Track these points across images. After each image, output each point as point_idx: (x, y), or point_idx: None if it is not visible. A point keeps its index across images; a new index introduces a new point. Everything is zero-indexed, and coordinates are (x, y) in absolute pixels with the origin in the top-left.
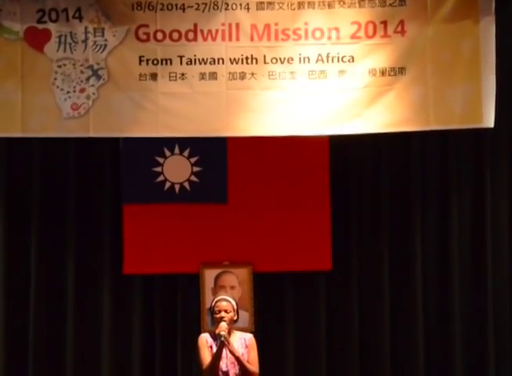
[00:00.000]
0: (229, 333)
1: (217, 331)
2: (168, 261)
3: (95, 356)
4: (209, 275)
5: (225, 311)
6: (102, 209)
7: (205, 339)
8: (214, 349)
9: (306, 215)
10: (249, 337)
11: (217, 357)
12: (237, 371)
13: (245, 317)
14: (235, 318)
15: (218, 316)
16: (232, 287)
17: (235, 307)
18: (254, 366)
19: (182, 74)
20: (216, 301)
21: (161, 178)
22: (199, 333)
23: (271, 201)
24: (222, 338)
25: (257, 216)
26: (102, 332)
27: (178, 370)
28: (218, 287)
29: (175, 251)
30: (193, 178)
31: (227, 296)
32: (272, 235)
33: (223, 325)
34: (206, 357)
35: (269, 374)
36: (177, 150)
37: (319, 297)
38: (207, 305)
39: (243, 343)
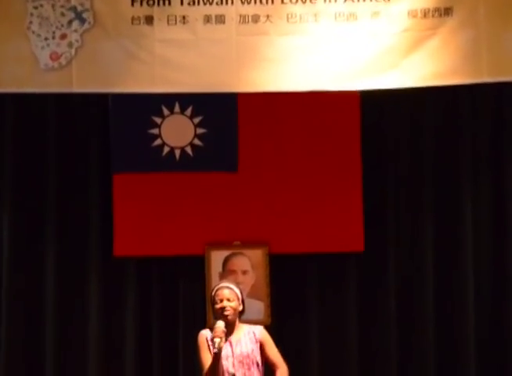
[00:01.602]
0: (233, 328)
1: (211, 336)
2: (167, 241)
3: (81, 359)
4: (216, 258)
5: (228, 300)
6: (88, 180)
7: (205, 337)
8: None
9: (332, 185)
10: (259, 330)
11: (213, 370)
12: (246, 372)
13: (259, 308)
14: (240, 308)
15: (218, 306)
16: (244, 272)
17: (239, 296)
18: (280, 362)
19: (183, 17)
20: (216, 290)
21: (158, 141)
22: (204, 327)
23: (290, 170)
24: (216, 349)
25: (273, 187)
26: (88, 331)
27: (179, 372)
28: (227, 272)
29: (176, 230)
30: (197, 141)
31: (229, 283)
32: (291, 210)
33: (219, 328)
34: (205, 359)
35: None
36: (177, 109)
37: (348, 283)
38: None
39: (252, 338)
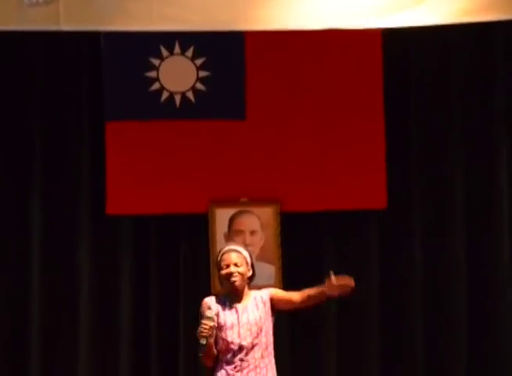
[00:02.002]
0: (241, 295)
1: (198, 331)
2: (166, 198)
3: (73, 325)
4: (221, 216)
5: (235, 265)
6: (78, 129)
7: (207, 306)
8: (222, 318)
9: (351, 135)
10: (267, 292)
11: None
12: (254, 340)
13: (269, 272)
14: (248, 274)
15: (224, 272)
16: (253, 232)
17: (248, 260)
18: (298, 293)
19: None
20: (222, 254)
21: (156, 86)
22: (208, 294)
23: (303, 118)
24: (201, 352)
25: (285, 138)
26: (80, 299)
27: (180, 343)
28: (233, 233)
29: (175, 185)
30: (199, 86)
31: (237, 246)
32: (305, 163)
33: (206, 324)
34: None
35: (302, 351)
36: (177, 49)
37: (369, 243)
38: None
39: (259, 303)
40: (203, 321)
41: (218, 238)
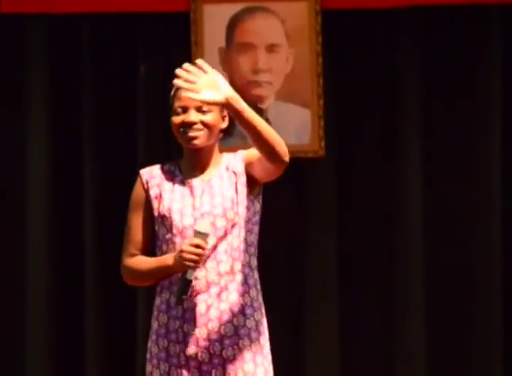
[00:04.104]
0: (206, 161)
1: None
2: None
3: None
4: (214, 16)
5: (198, 109)
6: None
7: (141, 191)
8: (165, 202)
9: None
10: (240, 155)
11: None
12: (221, 241)
13: (303, 121)
14: (222, 125)
15: (177, 119)
16: (272, 47)
17: (220, 99)
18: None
19: None
20: (176, 88)
21: None
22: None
23: None
24: (183, 295)
25: None
26: None
27: None
28: (235, 48)
29: None
30: None
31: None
32: None
33: (193, 252)
34: (133, 234)
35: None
36: None
37: None
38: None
39: (230, 176)
40: (191, 242)
41: (206, 57)
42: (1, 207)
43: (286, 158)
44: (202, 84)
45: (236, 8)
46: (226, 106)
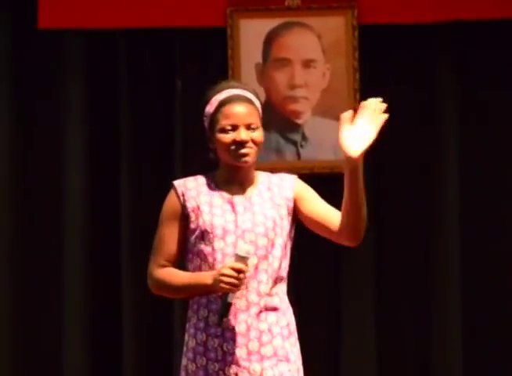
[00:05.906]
0: (247, 176)
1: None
2: (146, 9)
3: None
4: (250, 32)
5: (248, 127)
6: None
7: (181, 192)
8: (205, 218)
9: None
10: (289, 181)
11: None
12: (260, 261)
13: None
14: (262, 139)
15: (228, 138)
16: (308, 63)
17: (260, 112)
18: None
19: None
20: (223, 103)
21: None
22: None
23: None
24: (224, 317)
25: None
26: None
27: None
28: (272, 63)
29: None
30: None
31: (242, 88)
32: None
33: (233, 276)
34: (165, 245)
35: None
36: None
37: None
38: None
39: (275, 196)
40: (233, 265)
41: (243, 72)
42: (40, 220)
43: (359, 242)
44: (377, 124)
45: (272, 23)
46: (354, 163)
